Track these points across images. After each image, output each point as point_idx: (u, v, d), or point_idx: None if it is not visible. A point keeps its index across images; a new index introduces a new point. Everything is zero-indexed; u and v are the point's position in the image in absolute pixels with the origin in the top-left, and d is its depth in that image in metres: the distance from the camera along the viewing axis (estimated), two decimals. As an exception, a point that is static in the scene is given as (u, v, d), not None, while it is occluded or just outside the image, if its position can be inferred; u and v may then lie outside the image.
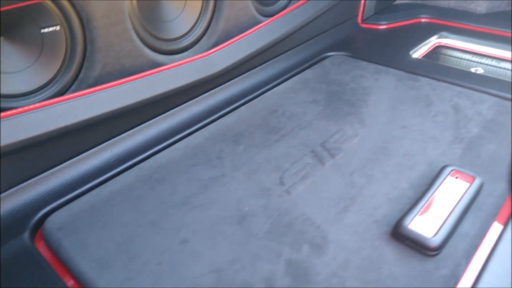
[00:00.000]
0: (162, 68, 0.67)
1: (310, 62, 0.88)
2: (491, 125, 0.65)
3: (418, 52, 0.90)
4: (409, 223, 0.47)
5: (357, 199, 0.53)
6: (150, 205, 0.56)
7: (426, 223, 0.47)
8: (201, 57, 0.71)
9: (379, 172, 0.57)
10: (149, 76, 0.66)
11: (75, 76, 0.63)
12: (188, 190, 0.58)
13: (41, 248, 0.52)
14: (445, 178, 0.53)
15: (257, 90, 0.80)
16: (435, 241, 0.45)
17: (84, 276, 0.47)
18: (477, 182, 0.51)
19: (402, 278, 0.44)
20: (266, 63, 0.83)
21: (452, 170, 0.53)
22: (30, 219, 0.55)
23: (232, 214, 0.53)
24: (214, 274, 0.46)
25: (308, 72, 0.83)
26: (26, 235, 0.53)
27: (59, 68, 0.61)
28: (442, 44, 0.94)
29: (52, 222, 0.54)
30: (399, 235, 0.47)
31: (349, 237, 0.49)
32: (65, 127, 0.58)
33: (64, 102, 0.58)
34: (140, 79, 0.65)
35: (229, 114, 0.74)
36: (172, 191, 0.58)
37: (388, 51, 0.89)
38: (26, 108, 0.55)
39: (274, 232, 0.50)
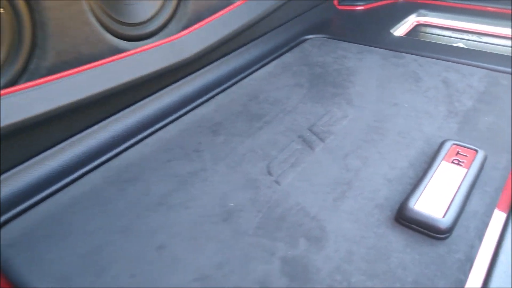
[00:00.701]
0: (125, 54, 0.60)
1: (289, 46, 0.82)
2: (484, 97, 0.62)
3: (399, 31, 0.87)
4: (414, 204, 0.42)
5: (354, 183, 0.48)
6: (120, 209, 0.48)
7: (433, 203, 0.43)
8: (169, 41, 0.64)
9: (374, 153, 0.52)
10: (110, 63, 0.58)
11: (24, 66, 0.54)
12: (164, 189, 0.50)
13: (-13, 272, 0.44)
14: (446, 154, 0.48)
15: (234, 77, 0.74)
16: (446, 222, 0.40)
17: (42, 298, 0.39)
18: (480, 155, 0.47)
19: (413, 267, 0.39)
20: (241, 48, 0.77)
21: (452, 145, 0.49)
22: (-28, 239, 0.47)
23: (216, 212, 0.47)
24: (199, 282, 0.39)
25: (287, 56, 0.78)
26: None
27: (5, 58, 0.52)
28: (421, 22, 0.91)
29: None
30: (405, 219, 0.42)
31: (350, 226, 0.43)
32: (14, 124, 0.49)
33: (12, 94, 0.50)
34: (100, 66, 0.57)
35: (205, 103, 0.67)
36: (145, 191, 0.50)
37: (368, 31, 0.85)
38: (-38, 104, 0.46)
39: (266, 228, 0.44)
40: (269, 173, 0.51)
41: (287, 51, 0.80)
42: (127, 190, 0.51)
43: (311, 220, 0.45)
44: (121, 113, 0.62)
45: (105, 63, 0.59)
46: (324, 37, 0.84)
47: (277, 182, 0.50)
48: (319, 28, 0.88)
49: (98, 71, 0.58)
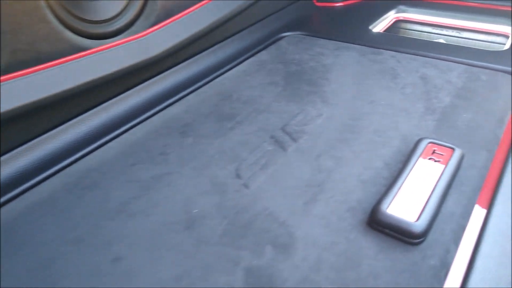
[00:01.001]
0: (87, 52, 0.56)
1: (265, 44, 0.79)
2: (463, 92, 0.59)
3: (378, 28, 0.85)
4: (387, 208, 0.40)
5: (326, 185, 0.46)
6: (76, 218, 0.45)
7: (407, 206, 0.40)
8: (136, 38, 0.61)
9: (348, 153, 0.50)
10: (71, 62, 0.55)
11: (-26, 66, 0.50)
12: (125, 195, 0.47)
13: None
14: (421, 153, 0.46)
15: (207, 76, 0.71)
16: (420, 226, 0.38)
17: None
18: (457, 154, 0.45)
19: (385, 275, 0.36)
20: (215, 46, 0.74)
21: (428, 143, 0.47)
22: None
23: (178, 219, 0.43)
24: (156, 295, 0.36)
25: (263, 54, 0.75)
26: None
27: None
28: (401, 18, 0.89)
29: None
30: (378, 223, 0.39)
31: (320, 231, 0.40)
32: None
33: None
34: (59, 65, 0.54)
35: (174, 104, 0.64)
36: (104, 198, 0.47)
37: (347, 27, 0.83)
38: None
39: (230, 235, 0.41)
40: (238, 176, 0.48)
41: (263, 49, 0.77)
42: (86, 197, 0.47)
43: (279, 226, 0.42)
44: (83, 115, 0.58)
45: (65, 61, 0.55)
46: (302, 34, 0.82)
47: (245, 186, 0.47)
48: (297, 25, 0.86)
49: (58, 71, 0.54)
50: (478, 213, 0.41)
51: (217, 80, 0.69)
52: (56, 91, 0.53)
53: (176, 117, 0.60)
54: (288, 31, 0.83)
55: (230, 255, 0.39)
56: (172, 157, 0.52)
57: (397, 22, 0.89)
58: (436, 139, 0.47)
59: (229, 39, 0.76)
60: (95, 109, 0.60)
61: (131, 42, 0.60)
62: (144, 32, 0.62)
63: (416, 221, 0.38)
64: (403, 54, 0.70)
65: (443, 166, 0.44)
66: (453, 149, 0.46)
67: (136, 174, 0.50)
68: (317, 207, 0.43)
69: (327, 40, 0.78)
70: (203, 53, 0.72)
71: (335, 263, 0.37)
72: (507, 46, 0.74)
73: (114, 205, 0.46)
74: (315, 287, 0.36)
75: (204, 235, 0.41)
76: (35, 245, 0.42)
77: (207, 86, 0.67)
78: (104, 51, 0.58)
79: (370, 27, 0.82)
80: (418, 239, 0.38)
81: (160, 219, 0.44)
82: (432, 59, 0.68)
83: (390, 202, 0.40)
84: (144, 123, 0.60)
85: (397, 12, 0.90)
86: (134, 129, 0.59)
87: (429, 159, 0.45)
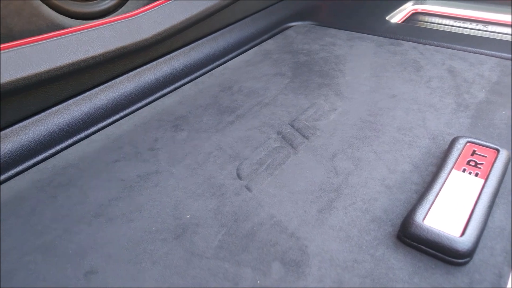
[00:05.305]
0: (67, 30, 0.49)
1: (271, 33, 0.72)
2: (498, 87, 0.52)
3: (395, 20, 0.78)
4: (423, 219, 0.32)
5: (344, 190, 0.38)
6: (46, 221, 0.37)
7: (447, 218, 0.33)
8: (124, 18, 0.53)
9: (369, 153, 0.42)
10: (47, 41, 0.47)
11: None
12: (105, 196, 0.40)
13: None
14: (459, 154, 0.39)
15: (206, 66, 0.63)
16: (466, 242, 0.30)
17: None
18: (503, 155, 0.38)
19: (423, 303, 0.29)
20: (215, 33, 0.67)
21: (467, 143, 0.40)
22: None
23: (167, 226, 0.36)
24: (134, 323, 0.29)
25: (269, 43, 0.68)
26: None
27: None
28: (419, 10, 0.82)
29: None
30: (412, 238, 0.32)
31: (338, 246, 0.33)
32: None
33: None
34: (33, 44, 0.46)
35: (169, 94, 0.56)
36: (81, 199, 0.40)
37: (360, 17, 0.76)
38: None
39: (229, 248, 0.34)
40: (239, 177, 0.41)
41: (268, 38, 0.70)
42: (59, 197, 0.40)
43: (288, 238, 0.34)
44: (62, 104, 0.51)
45: (40, 40, 0.48)
46: (311, 24, 0.75)
47: (247, 188, 0.40)
48: (306, 14, 0.79)
49: (31, 50, 0.47)
50: (532, 227, 0.34)
51: (217, 69, 0.61)
52: (28, 73, 0.46)
53: (169, 109, 0.53)
54: (296, 20, 0.76)
55: (229, 272, 0.32)
56: (162, 154, 0.45)
57: (415, 14, 0.82)
58: (474, 138, 0.40)
59: (232, 26, 0.69)
60: (76, 98, 0.52)
61: (118, 22, 0.53)
62: (134, 12, 0.55)
63: (460, 236, 0.31)
64: (426, 46, 0.63)
65: (488, 170, 0.36)
66: (497, 150, 0.38)
67: (120, 172, 0.43)
68: (334, 216, 0.36)
69: (339, 30, 0.71)
70: (203, 40, 0.65)
71: (359, 287, 0.30)
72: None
73: (91, 207, 0.39)
74: (335, 317, 0.28)
75: (197, 246, 0.34)
76: (-8, 254, 0.34)
77: (205, 76, 0.60)
78: (86, 30, 0.51)
79: (387, 18, 0.75)
80: (464, 258, 0.30)
81: (145, 225, 0.36)
82: (459, 51, 0.61)
83: (426, 213, 0.33)
84: (133, 114, 0.52)
85: (414, 4, 0.83)
86: (121, 121, 0.51)
87: (469, 162, 0.38)
